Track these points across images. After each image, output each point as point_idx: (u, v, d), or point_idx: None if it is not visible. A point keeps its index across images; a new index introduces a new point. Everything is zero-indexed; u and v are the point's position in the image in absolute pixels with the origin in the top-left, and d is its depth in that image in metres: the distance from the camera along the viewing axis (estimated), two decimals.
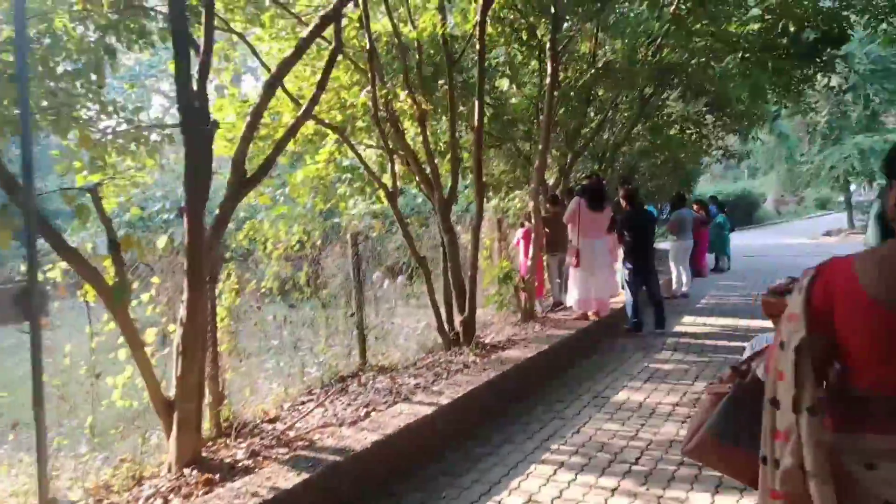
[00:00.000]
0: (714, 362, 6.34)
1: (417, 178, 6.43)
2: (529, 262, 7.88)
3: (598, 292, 7.54)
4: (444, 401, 4.29)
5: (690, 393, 5.30)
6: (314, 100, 3.69)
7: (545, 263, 8.88)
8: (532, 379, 5.53)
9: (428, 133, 6.57)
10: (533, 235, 7.84)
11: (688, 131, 10.70)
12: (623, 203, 7.94)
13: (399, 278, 10.76)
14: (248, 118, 3.38)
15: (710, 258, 13.80)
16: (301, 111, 3.55)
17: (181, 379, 3.26)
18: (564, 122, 9.01)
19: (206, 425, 4.22)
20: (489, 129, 9.05)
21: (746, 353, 2.37)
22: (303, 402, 5.01)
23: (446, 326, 6.31)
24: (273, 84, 3.76)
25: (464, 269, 6.83)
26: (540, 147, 7.56)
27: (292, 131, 3.59)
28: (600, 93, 9.76)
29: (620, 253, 8.26)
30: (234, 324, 4.87)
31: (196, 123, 3.11)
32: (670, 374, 5.98)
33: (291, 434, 4.05)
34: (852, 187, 26.45)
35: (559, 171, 9.72)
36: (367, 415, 4.33)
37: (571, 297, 7.78)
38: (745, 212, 31.73)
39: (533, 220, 7.84)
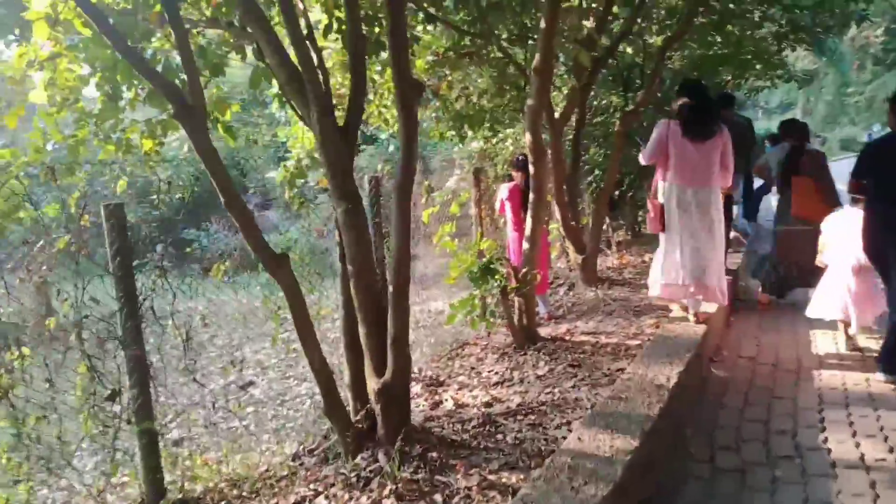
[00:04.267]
0: None
1: (278, 80, 2.88)
2: (525, 242, 4.42)
3: (701, 272, 4.23)
4: None
5: None
6: None
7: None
8: None
9: None
10: (532, 194, 4.37)
11: (767, 26, 7.00)
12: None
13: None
14: None
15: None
16: None
17: None
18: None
19: None
20: (456, 20, 5.46)
21: None
22: None
23: (349, 401, 2.91)
24: None
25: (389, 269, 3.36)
26: (542, 33, 3.98)
27: None
28: None
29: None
30: None
31: None
32: None
33: None
34: None
35: (577, 89, 5.94)
36: None
37: (653, 279, 4.57)
38: None
39: (531, 166, 4.34)
